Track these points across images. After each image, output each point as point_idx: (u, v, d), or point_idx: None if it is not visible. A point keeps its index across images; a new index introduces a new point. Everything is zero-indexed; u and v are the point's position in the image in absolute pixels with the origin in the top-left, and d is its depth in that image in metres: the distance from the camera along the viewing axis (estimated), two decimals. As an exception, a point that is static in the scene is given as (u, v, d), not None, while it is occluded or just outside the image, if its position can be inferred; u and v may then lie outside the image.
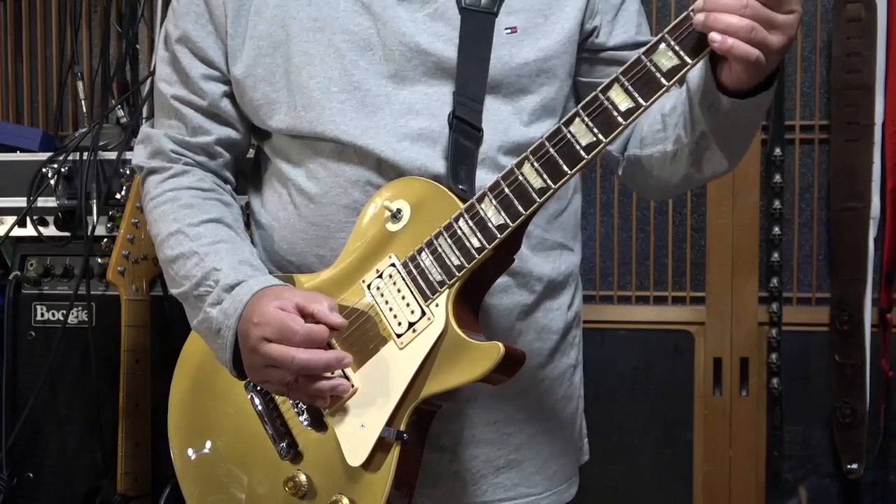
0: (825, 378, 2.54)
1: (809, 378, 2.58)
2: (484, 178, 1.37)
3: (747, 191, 2.56)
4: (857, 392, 2.48)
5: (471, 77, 1.38)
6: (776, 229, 2.55)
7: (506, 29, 1.40)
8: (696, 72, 1.24)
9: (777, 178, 2.54)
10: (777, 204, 2.55)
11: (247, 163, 1.61)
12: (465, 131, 1.37)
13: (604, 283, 2.68)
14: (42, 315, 2.47)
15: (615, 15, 1.48)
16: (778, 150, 2.54)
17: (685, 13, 1.19)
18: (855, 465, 2.49)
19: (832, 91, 2.50)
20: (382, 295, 1.34)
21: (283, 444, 1.40)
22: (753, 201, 2.57)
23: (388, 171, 1.39)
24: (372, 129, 1.39)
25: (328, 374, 1.32)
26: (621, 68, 1.21)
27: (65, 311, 2.41)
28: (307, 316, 1.31)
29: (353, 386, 1.34)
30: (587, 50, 1.48)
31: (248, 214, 1.57)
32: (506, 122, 1.42)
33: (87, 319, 2.41)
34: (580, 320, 1.59)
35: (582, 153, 1.23)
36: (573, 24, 1.44)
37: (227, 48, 1.47)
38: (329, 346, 1.33)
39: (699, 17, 1.17)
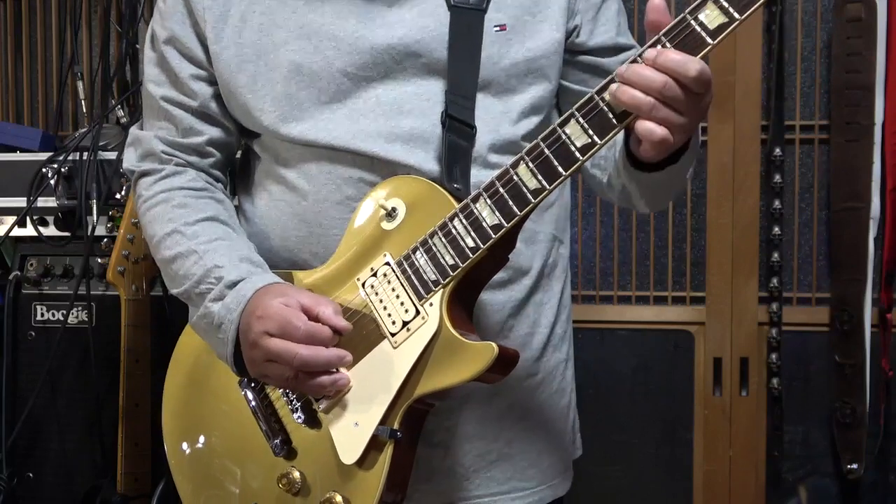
0: (825, 378, 2.54)
1: (809, 378, 2.57)
2: (476, 175, 1.37)
3: (747, 191, 2.56)
4: (857, 392, 2.47)
5: (462, 75, 1.38)
6: (776, 229, 2.55)
7: (495, 26, 1.40)
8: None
9: (777, 178, 2.53)
10: (777, 204, 2.54)
11: (238, 160, 1.61)
12: (458, 129, 1.37)
13: (604, 283, 2.68)
14: (42, 315, 2.48)
15: (595, 14, 1.48)
16: (778, 150, 2.53)
17: (682, 15, 1.16)
18: (855, 465, 2.48)
19: (832, 91, 2.50)
20: (377, 293, 1.34)
21: (277, 441, 1.40)
22: (753, 201, 2.56)
23: (381, 167, 1.39)
24: (363, 133, 1.39)
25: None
26: (619, 67, 1.20)
27: (65, 311, 2.42)
28: (312, 318, 1.31)
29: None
30: (568, 50, 1.48)
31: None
32: (497, 120, 1.42)
33: (87, 319, 2.41)
34: (570, 315, 1.60)
35: (577, 154, 1.22)
36: (559, 24, 1.44)
37: (209, 52, 1.46)
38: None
39: (612, 88, 1.18)
